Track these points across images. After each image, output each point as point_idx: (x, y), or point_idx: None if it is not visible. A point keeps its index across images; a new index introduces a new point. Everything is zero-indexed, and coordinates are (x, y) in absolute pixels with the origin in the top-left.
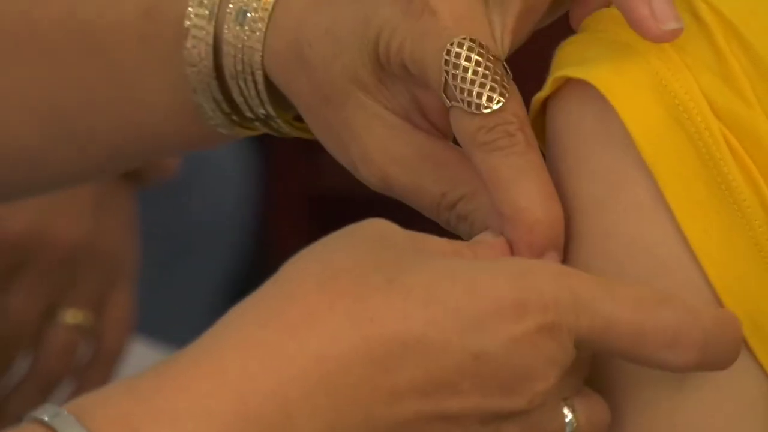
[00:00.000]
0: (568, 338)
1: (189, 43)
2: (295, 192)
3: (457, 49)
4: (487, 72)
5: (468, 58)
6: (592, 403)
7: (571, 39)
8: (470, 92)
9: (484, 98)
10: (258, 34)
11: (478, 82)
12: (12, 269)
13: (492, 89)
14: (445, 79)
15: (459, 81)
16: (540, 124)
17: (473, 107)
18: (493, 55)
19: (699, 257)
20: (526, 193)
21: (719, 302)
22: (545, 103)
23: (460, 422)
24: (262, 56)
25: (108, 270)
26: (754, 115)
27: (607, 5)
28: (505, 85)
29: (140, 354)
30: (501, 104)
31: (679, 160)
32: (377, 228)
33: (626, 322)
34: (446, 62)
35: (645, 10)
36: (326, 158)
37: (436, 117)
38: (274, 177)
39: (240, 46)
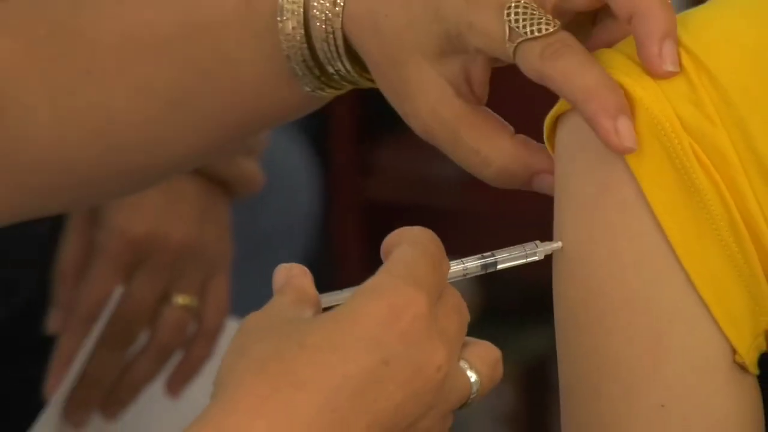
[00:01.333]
0: (446, 308)
1: (284, 17)
2: (350, 203)
3: (514, 7)
4: (537, 13)
5: (525, 7)
6: (479, 347)
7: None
8: (531, 25)
9: (543, 26)
10: (339, 4)
11: (535, 20)
12: (136, 263)
13: (546, 21)
14: (509, 28)
15: (521, 23)
16: (552, 139)
17: (536, 33)
18: (533, 4)
19: (674, 246)
20: (592, 77)
21: (692, 283)
22: (556, 121)
23: (395, 422)
24: (342, 22)
25: (209, 264)
26: (717, 132)
27: (616, 41)
28: (551, 19)
29: (232, 329)
30: (555, 27)
31: (656, 167)
32: (259, 321)
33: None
34: (507, 15)
35: (655, 50)
36: (377, 175)
37: (477, 87)
38: (334, 190)
39: (324, 15)
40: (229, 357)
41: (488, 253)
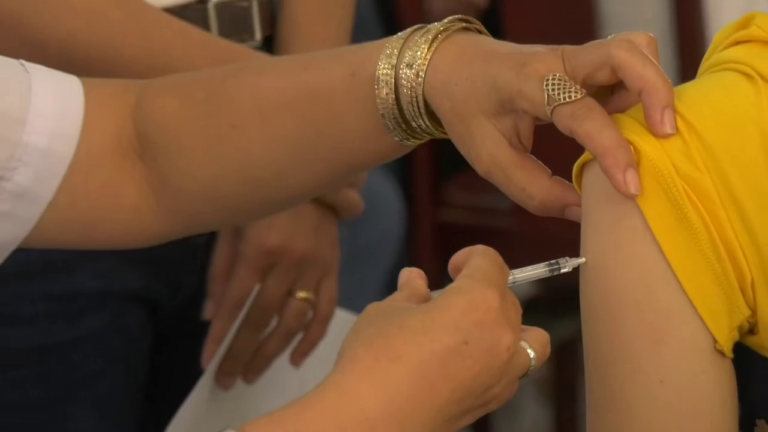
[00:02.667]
0: (508, 303)
1: (380, 86)
2: (426, 226)
3: (551, 79)
4: (569, 83)
5: (560, 79)
6: (534, 333)
7: (620, 118)
8: (564, 93)
9: (573, 94)
10: (422, 72)
11: (567, 89)
12: (269, 267)
13: (575, 90)
14: (547, 95)
15: (556, 91)
16: (579, 180)
17: (568, 99)
18: (568, 79)
19: (670, 261)
20: (609, 137)
21: (684, 289)
22: (582, 166)
23: (473, 389)
24: (423, 89)
25: (322, 268)
26: (703, 178)
27: (629, 107)
28: (580, 89)
29: (339, 317)
30: (581, 95)
31: (657, 203)
32: (374, 310)
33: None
34: (546, 85)
35: (658, 117)
36: (448, 205)
37: (524, 138)
38: (414, 216)
39: (410, 84)
40: (349, 335)
41: (531, 266)
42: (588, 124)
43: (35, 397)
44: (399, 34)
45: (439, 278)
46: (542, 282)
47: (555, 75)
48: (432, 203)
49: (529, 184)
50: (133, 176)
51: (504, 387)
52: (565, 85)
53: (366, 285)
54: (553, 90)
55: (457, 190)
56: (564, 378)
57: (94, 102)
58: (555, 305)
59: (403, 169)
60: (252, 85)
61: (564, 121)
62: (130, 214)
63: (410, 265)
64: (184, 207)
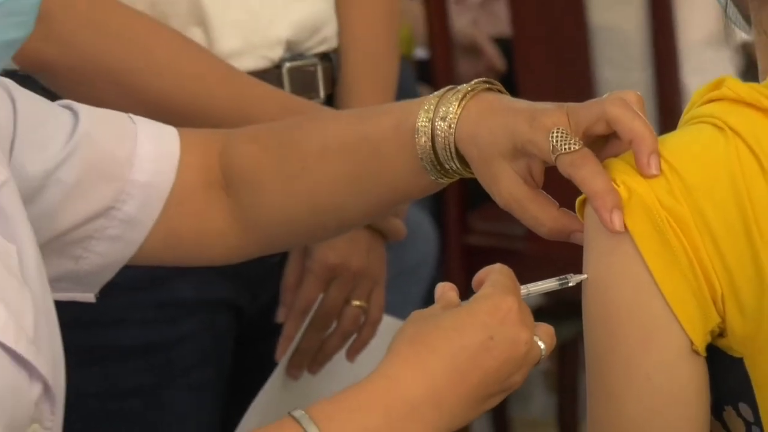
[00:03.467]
0: (523, 307)
1: (419, 135)
2: (455, 249)
3: (556, 131)
4: (569, 136)
5: (563, 132)
6: (543, 328)
7: (607, 163)
8: (565, 144)
9: (572, 145)
10: (453, 124)
11: (568, 140)
12: (330, 280)
13: (575, 142)
14: (552, 145)
15: (560, 142)
16: (582, 210)
17: (568, 149)
18: (569, 131)
19: (656, 279)
20: (599, 184)
21: (667, 302)
22: (583, 200)
23: (497, 376)
24: (455, 139)
25: (373, 281)
26: (682, 210)
27: (621, 153)
28: (579, 141)
29: (385, 321)
30: (579, 146)
31: (646, 231)
32: (417, 315)
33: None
34: (551, 137)
35: (645, 161)
36: (474, 231)
37: (536, 177)
38: (445, 241)
39: (444, 134)
40: (397, 334)
41: (542, 281)
42: (583, 172)
43: (143, 384)
44: (435, 93)
45: (465, 291)
46: (548, 294)
47: (559, 129)
48: (460, 230)
49: (541, 215)
50: (220, 207)
51: (521, 375)
52: (567, 137)
53: (408, 298)
54: (557, 141)
55: (480, 220)
56: (566, 371)
57: (187, 147)
58: (558, 313)
59: (436, 202)
60: (317, 134)
61: (565, 168)
62: (217, 238)
63: (442, 281)
64: (262, 232)
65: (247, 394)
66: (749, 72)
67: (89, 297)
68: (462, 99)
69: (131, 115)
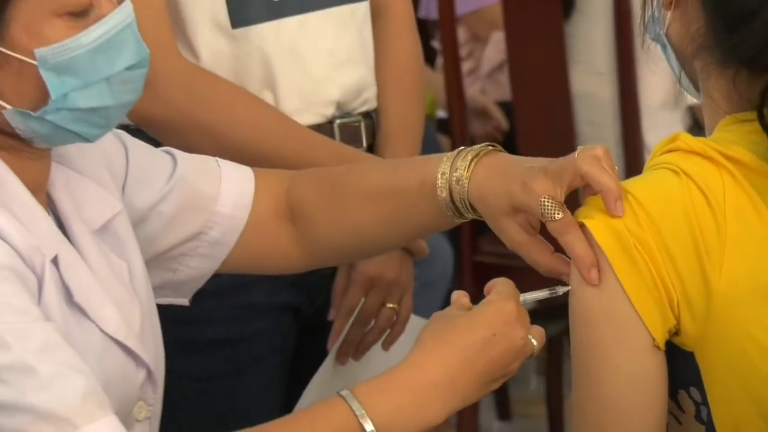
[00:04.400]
0: (521, 311)
1: (439, 189)
2: (467, 266)
3: (544, 199)
4: (556, 205)
5: (550, 199)
6: (536, 329)
7: (587, 201)
8: (552, 212)
9: (557, 214)
10: (465, 186)
11: (554, 209)
12: (369, 288)
13: (558, 211)
14: (541, 212)
15: (547, 210)
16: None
17: (554, 217)
18: (556, 200)
19: (625, 289)
20: (580, 248)
21: (634, 307)
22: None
23: (499, 365)
24: (468, 194)
25: (403, 289)
26: (645, 235)
27: (594, 194)
28: (563, 209)
29: (412, 320)
30: (562, 216)
31: (617, 252)
32: (437, 316)
33: None
34: (540, 204)
35: (612, 206)
36: (482, 253)
37: (534, 226)
38: (459, 260)
39: (459, 190)
40: (422, 330)
41: (536, 291)
42: (567, 238)
43: (226, 370)
44: (448, 154)
45: (476, 299)
46: (541, 300)
47: (546, 197)
48: (471, 251)
49: (538, 258)
50: (286, 233)
51: (517, 364)
52: (552, 207)
53: (429, 304)
54: (544, 209)
55: (487, 243)
56: (553, 360)
57: (261, 186)
58: (548, 315)
59: (452, 229)
60: (360, 182)
61: (552, 232)
62: (282, 255)
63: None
64: (317, 254)
65: (305, 376)
66: (695, 129)
67: (184, 301)
68: (470, 163)
69: (217, 159)
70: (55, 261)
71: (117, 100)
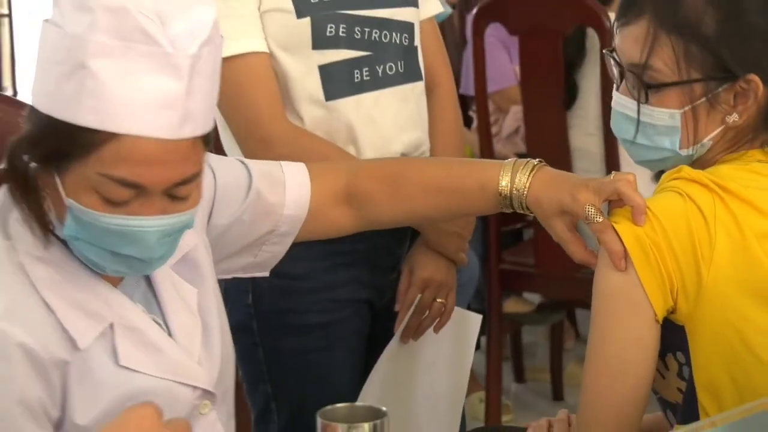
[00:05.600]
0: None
1: (501, 194)
2: (496, 269)
3: (588, 208)
4: (597, 212)
5: (592, 206)
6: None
7: (615, 211)
8: (594, 217)
9: (598, 218)
10: (525, 193)
11: (596, 215)
12: (425, 287)
13: (599, 216)
14: (586, 215)
15: (591, 215)
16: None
17: (596, 219)
18: (597, 207)
19: (641, 279)
20: (615, 244)
21: (646, 292)
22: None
23: None
24: (526, 198)
25: (449, 288)
26: (658, 238)
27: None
28: (602, 215)
29: (456, 311)
30: (602, 220)
31: (636, 250)
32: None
33: None
34: (587, 211)
35: (638, 218)
36: (505, 261)
37: (574, 226)
38: (486, 267)
39: (518, 195)
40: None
41: None
42: (604, 236)
43: (320, 347)
44: (504, 163)
45: (499, 299)
46: (545, 296)
47: (590, 206)
48: (497, 261)
49: (575, 251)
50: (342, 213)
51: None
52: (596, 212)
53: (461, 301)
54: (589, 214)
55: (509, 254)
56: (556, 339)
57: (317, 182)
58: (552, 306)
59: (483, 246)
60: (417, 176)
61: (594, 231)
62: (338, 228)
63: (485, 290)
64: (372, 225)
65: (377, 352)
66: (656, 177)
67: (265, 273)
68: (530, 174)
69: (281, 163)
70: (111, 329)
71: (111, 269)
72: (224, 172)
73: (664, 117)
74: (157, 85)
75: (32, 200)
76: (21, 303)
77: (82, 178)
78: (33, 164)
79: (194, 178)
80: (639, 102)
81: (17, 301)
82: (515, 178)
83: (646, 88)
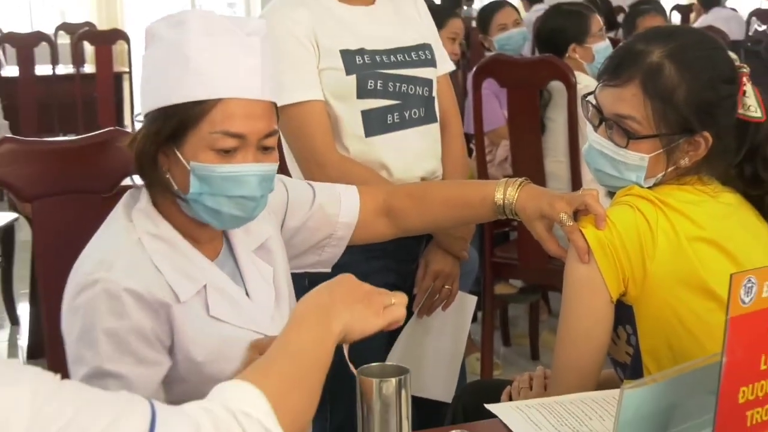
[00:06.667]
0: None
1: (496, 204)
2: (489, 261)
3: (562, 214)
4: (569, 217)
5: (565, 216)
6: (397, 295)
7: (582, 218)
8: (566, 222)
9: (569, 222)
10: (513, 203)
11: (568, 219)
12: (436, 277)
13: (571, 220)
14: (560, 220)
15: (563, 220)
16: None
17: (567, 224)
18: (569, 214)
19: (601, 270)
20: (581, 242)
21: (605, 281)
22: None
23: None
24: (515, 207)
25: (454, 277)
26: (614, 239)
27: (587, 214)
28: (572, 220)
29: (459, 295)
30: (572, 224)
31: (598, 248)
32: (337, 278)
33: None
34: (561, 216)
35: (601, 224)
36: (496, 255)
37: (550, 228)
38: (482, 260)
39: (508, 204)
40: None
41: None
42: (573, 236)
43: None
44: (498, 182)
45: (491, 284)
46: (526, 282)
47: (564, 213)
48: (490, 255)
49: (550, 247)
50: (382, 222)
51: (373, 298)
52: (567, 218)
53: (464, 286)
54: (562, 219)
55: (500, 250)
56: (534, 314)
57: (363, 198)
58: (531, 290)
59: (480, 244)
60: (438, 194)
61: (565, 232)
62: (379, 234)
63: (481, 280)
64: (404, 232)
65: (400, 326)
66: (609, 195)
67: (327, 269)
68: (517, 188)
69: (338, 185)
70: (204, 289)
71: (228, 211)
72: (294, 188)
73: (636, 159)
74: (242, 61)
75: (161, 181)
76: (136, 264)
77: (197, 140)
78: (156, 151)
79: (276, 132)
80: (618, 145)
81: (133, 263)
82: (507, 192)
83: (627, 138)
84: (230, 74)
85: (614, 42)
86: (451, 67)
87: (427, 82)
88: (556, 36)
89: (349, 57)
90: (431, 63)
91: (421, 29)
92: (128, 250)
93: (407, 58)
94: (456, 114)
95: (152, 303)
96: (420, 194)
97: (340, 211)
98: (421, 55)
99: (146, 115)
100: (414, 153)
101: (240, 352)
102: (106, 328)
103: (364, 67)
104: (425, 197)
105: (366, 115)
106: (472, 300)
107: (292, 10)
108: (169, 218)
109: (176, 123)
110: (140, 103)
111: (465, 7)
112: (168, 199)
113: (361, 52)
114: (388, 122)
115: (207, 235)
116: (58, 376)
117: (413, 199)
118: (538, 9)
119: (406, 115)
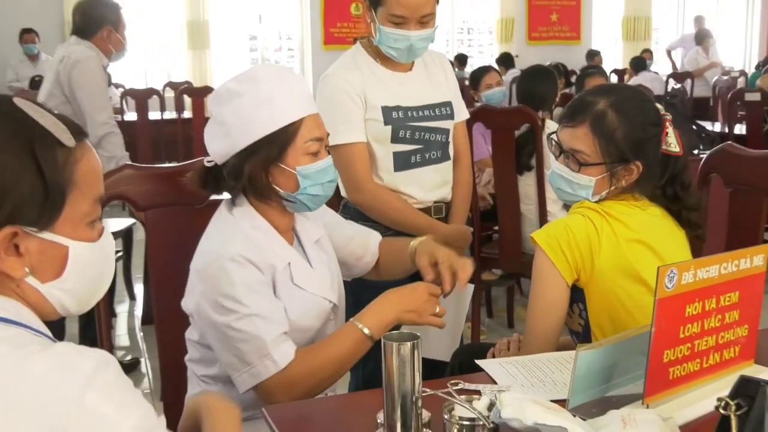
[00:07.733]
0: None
1: (410, 254)
2: (478, 255)
3: (440, 262)
4: (447, 263)
5: (448, 262)
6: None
7: (535, 234)
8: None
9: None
10: (414, 251)
11: (455, 260)
12: (436, 264)
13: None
14: (425, 266)
15: (445, 261)
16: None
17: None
18: (445, 261)
19: (553, 261)
20: (465, 276)
21: (559, 271)
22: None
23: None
24: (415, 254)
25: (455, 255)
26: (570, 241)
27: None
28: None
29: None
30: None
31: (548, 248)
32: (411, 286)
33: None
34: (439, 261)
35: (462, 283)
36: (485, 250)
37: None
38: (473, 252)
39: (412, 253)
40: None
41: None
42: (445, 274)
43: None
44: (417, 238)
45: (479, 273)
46: (502, 274)
47: (441, 261)
48: (479, 251)
49: (427, 277)
50: (373, 269)
51: (424, 305)
52: (454, 260)
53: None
54: (441, 263)
55: (485, 248)
56: (510, 296)
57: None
58: (507, 276)
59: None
60: (390, 248)
61: (441, 269)
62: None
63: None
64: (378, 276)
65: None
66: (566, 205)
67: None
68: (417, 244)
69: (371, 230)
70: (289, 265)
71: (324, 193)
72: (333, 217)
73: (586, 180)
74: (302, 89)
75: (264, 191)
76: (245, 243)
77: (296, 150)
78: (267, 172)
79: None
80: (573, 170)
81: (243, 242)
82: (413, 245)
83: (579, 165)
84: (301, 99)
85: (569, 96)
86: (467, 116)
87: (445, 131)
88: (532, 93)
89: (387, 111)
90: (450, 116)
91: (445, 89)
92: (237, 235)
93: (432, 114)
94: (467, 152)
95: (262, 267)
96: (384, 249)
97: (367, 249)
98: (444, 110)
99: (241, 152)
100: (431, 184)
101: (314, 311)
102: (242, 281)
103: (398, 120)
104: (386, 252)
105: (396, 155)
106: (470, 287)
107: (348, 72)
108: (262, 215)
109: (280, 143)
110: (223, 146)
111: (457, 70)
112: (263, 202)
113: (396, 108)
114: (412, 161)
115: (285, 226)
116: (162, 417)
117: (382, 253)
118: (513, 72)
119: (427, 156)
